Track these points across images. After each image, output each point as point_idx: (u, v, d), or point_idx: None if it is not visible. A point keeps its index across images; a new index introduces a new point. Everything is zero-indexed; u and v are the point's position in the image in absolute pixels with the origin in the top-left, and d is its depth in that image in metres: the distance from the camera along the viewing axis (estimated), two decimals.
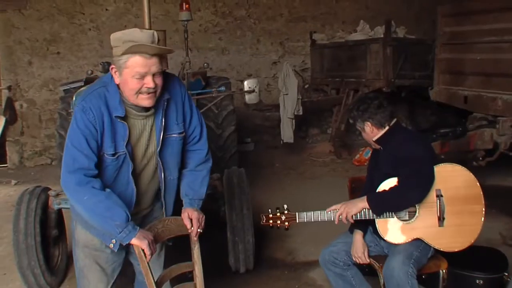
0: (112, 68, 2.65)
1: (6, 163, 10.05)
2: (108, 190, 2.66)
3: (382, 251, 3.66)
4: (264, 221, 3.53)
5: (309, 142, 10.97)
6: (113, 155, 2.69)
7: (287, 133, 8.96)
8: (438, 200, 3.43)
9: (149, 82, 2.57)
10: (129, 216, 2.64)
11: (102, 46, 10.00)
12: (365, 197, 3.42)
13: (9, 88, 9.85)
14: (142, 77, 2.56)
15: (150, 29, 5.34)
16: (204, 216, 2.98)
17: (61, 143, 5.93)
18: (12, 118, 9.90)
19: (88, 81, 6.38)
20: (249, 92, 5.13)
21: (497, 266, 3.90)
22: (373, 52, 9.00)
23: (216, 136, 6.40)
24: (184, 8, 6.64)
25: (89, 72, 6.73)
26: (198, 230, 2.91)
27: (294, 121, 8.97)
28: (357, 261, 3.56)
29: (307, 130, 11.09)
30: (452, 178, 3.49)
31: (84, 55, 10.04)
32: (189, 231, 2.91)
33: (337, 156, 9.79)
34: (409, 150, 3.48)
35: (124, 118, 2.69)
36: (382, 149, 3.63)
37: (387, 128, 3.58)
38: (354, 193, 3.93)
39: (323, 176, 8.55)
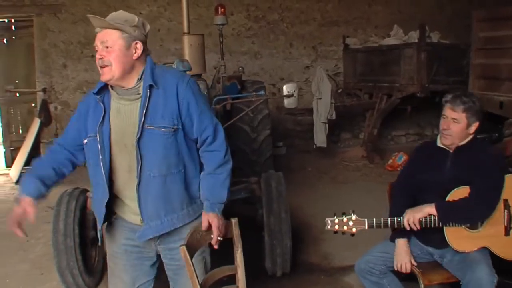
0: None
1: None
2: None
3: (431, 258, 3.64)
4: (329, 227, 3.45)
5: (341, 147, 10.95)
6: (90, 136, 2.80)
7: (320, 138, 8.94)
8: (505, 210, 3.42)
9: (97, 53, 2.70)
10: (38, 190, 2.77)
11: None
12: (433, 204, 3.37)
13: (44, 90, 9.99)
14: (97, 48, 2.71)
15: (188, 33, 5.45)
16: (224, 223, 2.90)
17: None
18: (46, 120, 10.04)
19: None
20: (288, 96, 5.13)
21: None
22: (407, 57, 8.95)
23: (251, 140, 6.41)
24: (219, 12, 6.69)
25: None
26: (218, 238, 2.85)
27: (327, 125, 8.94)
28: (401, 270, 3.51)
29: (339, 135, 11.08)
30: None
31: None
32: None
33: (370, 161, 9.73)
34: (490, 159, 3.47)
35: (104, 98, 2.80)
36: (455, 152, 3.55)
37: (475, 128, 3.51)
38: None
39: (356, 180, 8.50)
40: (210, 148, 2.92)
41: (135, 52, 2.74)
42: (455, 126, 3.45)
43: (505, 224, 3.42)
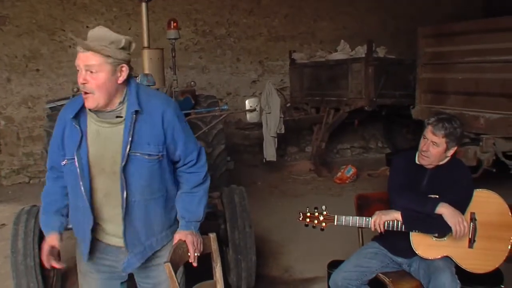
0: None
1: None
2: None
3: (399, 268, 3.74)
4: (300, 219, 3.58)
5: (288, 160, 11.09)
6: (69, 159, 2.72)
7: (269, 152, 8.97)
8: (471, 223, 3.54)
9: (79, 76, 2.59)
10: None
11: None
12: (399, 211, 3.50)
13: None
14: (79, 71, 2.59)
15: (148, 47, 5.41)
16: (201, 240, 2.90)
17: None
18: None
19: None
20: (251, 111, 5.16)
21: (494, 279, 3.97)
22: (354, 72, 9.14)
23: (206, 155, 6.37)
24: (172, 27, 6.65)
25: (75, 89, 6.65)
26: (196, 254, 2.84)
27: (276, 139, 8.99)
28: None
29: (285, 149, 11.19)
30: (486, 204, 3.62)
31: (64, 72, 9.88)
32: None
33: (318, 174, 9.84)
34: (464, 176, 3.66)
35: (80, 121, 2.70)
36: (433, 170, 3.67)
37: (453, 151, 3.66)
38: (361, 210, 3.98)
39: (307, 194, 8.57)
40: (190, 170, 2.92)
41: (120, 76, 2.64)
42: (434, 149, 3.59)
43: (470, 237, 3.55)
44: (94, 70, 2.55)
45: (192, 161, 2.89)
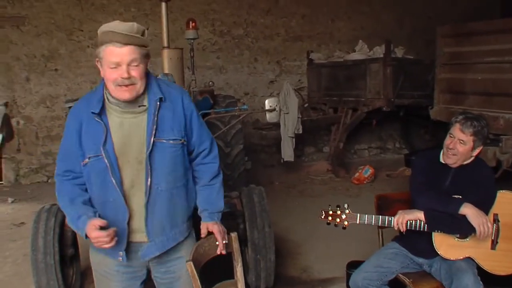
0: (96, 61, 2.66)
1: (1, 181, 9.89)
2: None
3: (420, 269, 3.72)
4: (322, 217, 3.57)
5: (305, 161, 11.08)
6: (93, 157, 2.69)
7: (287, 152, 8.99)
8: (494, 225, 3.51)
9: (123, 72, 2.56)
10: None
11: None
12: (422, 211, 3.47)
13: (5, 104, 9.72)
14: (117, 67, 2.56)
15: (168, 47, 5.43)
16: (225, 229, 2.98)
17: None
18: (8, 135, 9.78)
19: None
20: (270, 110, 5.16)
21: None
22: (372, 72, 9.09)
23: (224, 154, 6.40)
24: (191, 27, 6.67)
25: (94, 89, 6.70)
26: (224, 242, 2.91)
27: (294, 139, 9.00)
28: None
29: (303, 149, 11.17)
30: (510, 206, 3.58)
31: (82, 72, 9.94)
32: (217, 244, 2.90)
33: (335, 175, 9.83)
34: (488, 177, 3.65)
35: (102, 115, 2.68)
36: (457, 170, 3.64)
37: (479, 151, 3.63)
38: (380, 210, 3.95)
39: (324, 194, 8.56)
40: (205, 161, 2.98)
41: (148, 63, 2.71)
42: (461, 147, 3.55)
43: (493, 238, 3.52)
44: (136, 63, 2.59)
45: (206, 150, 2.97)
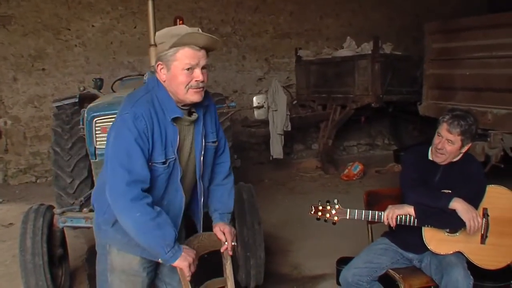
0: (158, 65, 2.66)
1: None
2: (158, 208, 2.59)
3: (409, 264, 3.72)
4: (312, 212, 3.56)
5: (294, 158, 11.09)
6: (164, 162, 2.65)
7: (276, 149, 8.99)
8: (484, 219, 3.52)
9: (198, 75, 2.59)
10: (177, 235, 2.63)
11: (88, 63, 9.93)
12: (412, 206, 3.48)
13: None
14: (192, 69, 2.58)
15: (155, 44, 5.38)
16: (234, 230, 3.04)
17: (56, 160, 5.84)
18: None
19: (81, 98, 6.33)
20: (258, 107, 5.15)
21: (505, 275, 3.95)
22: (361, 68, 9.11)
23: None
24: (178, 24, 6.63)
25: (82, 88, 6.68)
26: (232, 243, 2.96)
27: (283, 137, 9.00)
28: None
29: (292, 146, 11.18)
30: (499, 200, 3.59)
31: (70, 72, 9.87)
32: (224, 245, 2.92)
33: (325, 172, 9.82)
34: (477, 171, 3.64)
35: (175, 121, 2.70)
36: (445, 167, 3.64)
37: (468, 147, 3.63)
38: (370, 206, 3.93)
39: (314, 191, 8.53)
40: (219, 160, 3.05)
41: None
42: (450, 147, 3.55)
43: (482, 232, 3.53)
44: (207, 68, 2.66)
45: (221, 149, 3.05)
